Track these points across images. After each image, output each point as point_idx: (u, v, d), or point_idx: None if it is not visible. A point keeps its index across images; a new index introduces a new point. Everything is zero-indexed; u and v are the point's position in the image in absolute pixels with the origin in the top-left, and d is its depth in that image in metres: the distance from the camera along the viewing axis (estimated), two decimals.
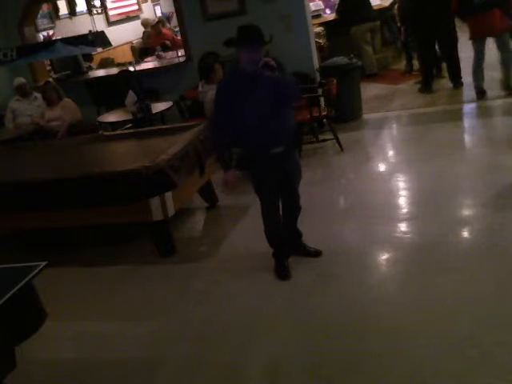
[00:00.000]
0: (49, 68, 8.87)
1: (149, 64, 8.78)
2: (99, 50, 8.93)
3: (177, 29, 9.76)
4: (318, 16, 9.66)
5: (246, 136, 3.63)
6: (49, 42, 7.64)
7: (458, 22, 7.68)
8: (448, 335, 3.03)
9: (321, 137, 6.40)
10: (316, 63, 7.25)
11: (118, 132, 6.23)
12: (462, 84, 7.61)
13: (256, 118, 3.56)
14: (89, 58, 9.45)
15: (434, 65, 7.86)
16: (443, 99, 7.37)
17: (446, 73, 7.96)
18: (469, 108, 6.91)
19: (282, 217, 3.94)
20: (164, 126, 6.14)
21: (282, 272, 3.90)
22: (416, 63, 8.49)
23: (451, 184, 4.89)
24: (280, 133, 3.66)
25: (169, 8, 12.39)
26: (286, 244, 4.01)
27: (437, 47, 7.81)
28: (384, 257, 4.06)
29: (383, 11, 9.44)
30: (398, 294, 3.54)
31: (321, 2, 9.95)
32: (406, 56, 8.98)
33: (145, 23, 11.51)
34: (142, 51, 10.71)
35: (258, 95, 3.55)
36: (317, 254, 4.06)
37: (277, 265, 3.95)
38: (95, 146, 5.47)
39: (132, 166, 4.25)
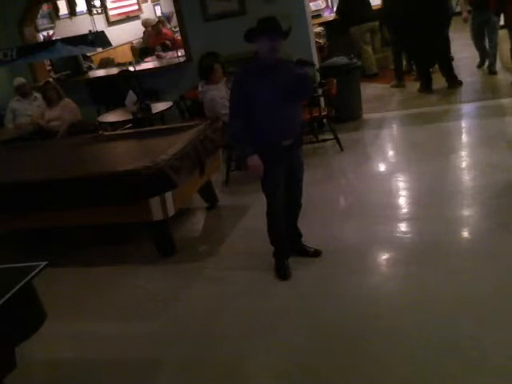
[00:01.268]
0: (49, 68, 8.86)
1: (149, 64, 8.78)
2: (99, 49, 8.91)
3: (177, 29, 9.76)
4: (318, 16, 9.66)
5: (260, 125, 3.62)
6: (49, 42, 7.63)
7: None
8: (448, 335, 3.03)
9: (321, 137, 6.40)
10: (316, 63, 7.25)
11: (118, 132, 6.23)
12: (460, 83, 7.61)
13: (272, 107, 3.58)
14: (87, 58, 9.44)
15: (431, 65, 7.86)
16: (443, 99, 7.37)
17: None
18: (468, 108, 6.91)
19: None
20: (164, 126, 6.15)
21: (282, 272, 3.90)
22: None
23: (451, 184, 4.90)
24: (292, 124, 3.70)
25: (169, 8, 12.39)
26: (286, 244, 4.01)
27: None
28: (384, 257, 4.06)
29: (383, 11, 9.42)
30: (398, 293, 3.54)
31: (320, 2, 9.95)
32: (405, 56, 8.97)
33: (145, 23, 11.52)
34: (142, 51, 10.71)
35: (276, 84, 3.59)
36: (316, 253, 4.06)
37: (277, 264, 3.95)
38: (95, 145, 5.47)
39: (132, 166, 4.25)
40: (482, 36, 7.90)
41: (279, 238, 3.94)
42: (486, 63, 8.06)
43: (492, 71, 7.90)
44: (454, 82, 7.64)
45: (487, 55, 8.01)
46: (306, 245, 4.10)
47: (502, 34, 7.95)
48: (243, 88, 3.62)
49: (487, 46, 7.96)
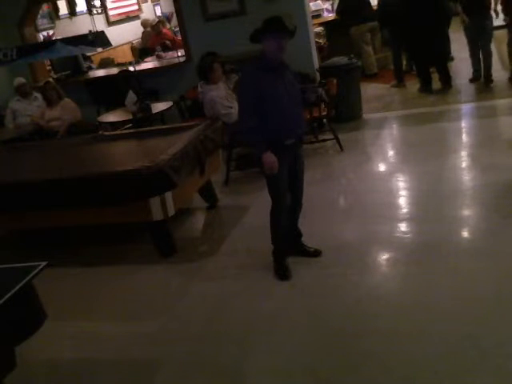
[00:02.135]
0: (49, 68, 8.87)
1: (149, 64, 8.79)
2: (99, 49, 8.93)
3: (177, 29, 9.76)
4: (318, 16, 9.67)
5: (266, 123, 3.61)
6: (49, 42, 7.64)
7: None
8: (448, 335, 3.03)
9: (321, 137, 6.40)
10: (316, 63, 7.25)
11: (118, 132, 6.23)
12: (450, 86, 7.59)
13: (277, 106, 3.60)
14: (87, 58, 9.44)
15: (431, 64, 7.85)
16: (443, 99, 7.37)
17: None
18: (468, 108, 6.91)
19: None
20: (164, 126, 6.15)
21: (282, 272, 3.90)
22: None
23: (451, 184, 4.90)
24: (296, 123, 3.72)
25: (169, 8, 12.39)
26: (287, 244, 4.01)
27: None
28: (384, 257, 4.06)
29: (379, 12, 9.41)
30: (398, 294, 3.54)
31: (320, 2, 9.96)
32: (405, 56, 8.98)
33: (145, 23, 11.51)
34: (142, 51, 10.71)
35: (283, 84, 3.63)
36: (316, 253, 4.06)
37: (277, 265, 3.95)
38: (95, 146, 5.47)
39: (132, 166, 4.25)
40: (477, 43, 7.51)
41: (281, 238, 3.94)
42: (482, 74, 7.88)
43: (489, 81, 7.51)
44: (448, 83, 7.65)
45: (480, 69, 7.67)
46: (306, 244, 4.10)
47: (503, 33, 7.95)
48: (253, 86, 3.62)
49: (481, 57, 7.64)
